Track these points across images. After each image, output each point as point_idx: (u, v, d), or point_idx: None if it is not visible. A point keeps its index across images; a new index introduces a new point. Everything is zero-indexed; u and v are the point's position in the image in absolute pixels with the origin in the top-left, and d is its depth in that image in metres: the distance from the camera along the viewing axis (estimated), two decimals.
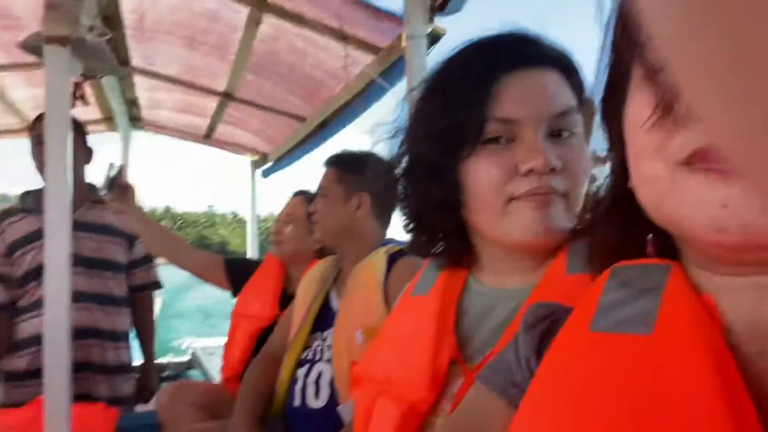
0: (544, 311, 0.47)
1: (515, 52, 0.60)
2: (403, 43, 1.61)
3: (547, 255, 0.63)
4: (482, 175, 0.58)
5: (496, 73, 0.58)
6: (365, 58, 2.05)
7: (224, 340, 2.00)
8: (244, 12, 2.01)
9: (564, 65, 0.62)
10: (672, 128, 0.34)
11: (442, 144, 0.61)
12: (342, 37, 1.84)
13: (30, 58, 2.01)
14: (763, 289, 0.34)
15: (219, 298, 1.97)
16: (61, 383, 1.34)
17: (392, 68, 1.86)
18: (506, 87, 0.58)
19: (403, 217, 0.75)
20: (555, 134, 0.58)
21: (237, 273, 2.02)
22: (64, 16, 1.27)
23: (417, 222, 0.73)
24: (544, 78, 0.59)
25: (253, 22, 2.04)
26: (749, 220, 0.31)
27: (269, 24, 2.07)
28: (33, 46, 1.45)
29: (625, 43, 0.40)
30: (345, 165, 1.50)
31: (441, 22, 1.60)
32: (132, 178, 4.73)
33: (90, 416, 1.72)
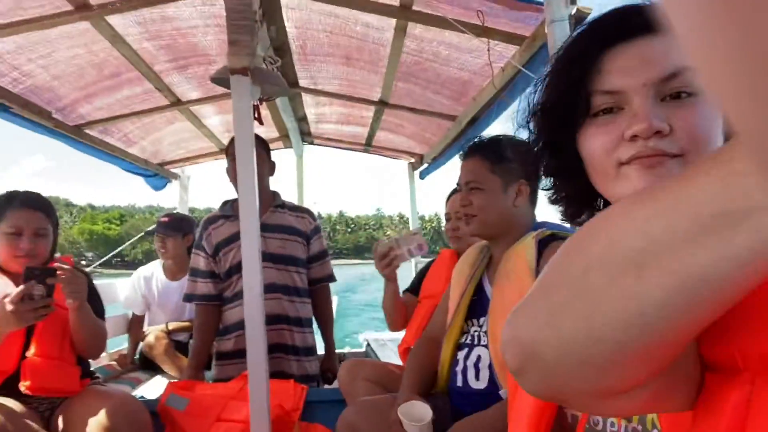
0: None
1: (615, 26, 0.61)
2: (546, 29, 1.60)
3: None
4: (592, 144, 0.60)
5: (599, 49, 0.60)
6: (509, 51, 2.06)
7: (393, 334, 2.17)
8: (391, 23, 2.16)
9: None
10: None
11: (558, 119, 0.65)
12: (484, 32, 1.88)
13: (218, 90, 2.39)
14: None
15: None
16: (260, 361, 1.58)
17: (536, 56, 1.85)
18: (609, 60, 0.60)
19: (549, 191, 0.78)
20: (673, 96, 0.57)
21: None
22: (244, 50, 1.52)
23: (559, 194, 0.76)
24: (646, 46, 0.59)
25: (400, 32, 2.17)
26: None
27: (414, 33, 2.19)
28: (220, 79, 1.74)
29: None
30: (495, 155, 1.48)
31: (584, 1, 1.56)
32: (307, 188, 5.23)
33: (284, 390, 1.99)
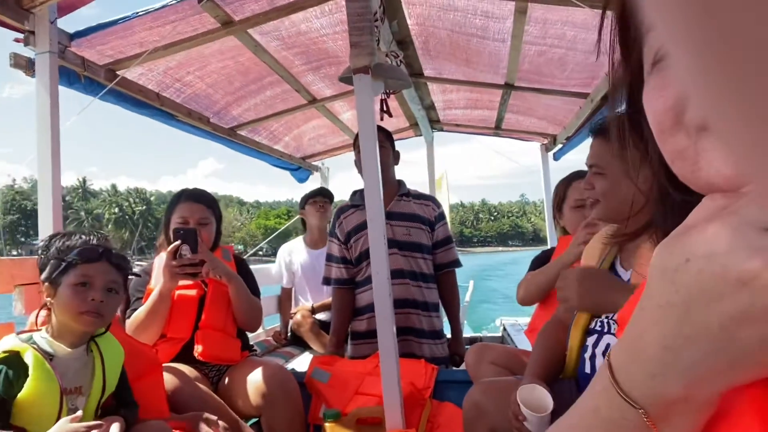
0: None
1: None
2: None
3: None
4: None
5: None
6: None
7: (527, 319, 2.13)
8: (510, 8, 2.13)
9: None
10: (684, 96, 0.34)
11: None
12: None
13: (348, 87, 2.55)
14: None
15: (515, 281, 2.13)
16: (390, 341, 1.69)
17: None
18: None
19: None
20: None
21: None
22: (365, 50, 1.62)
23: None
24: None
25: (521, 15, 2.13)
26: None
27: (536, 15, 2.14)
28: (347, 77, 1.87)
29: (631, 36, 0.41)
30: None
31: None
32: (442, 175, 5.24)
33: (416, 369, 2.10)
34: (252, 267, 2.28)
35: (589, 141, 1.51)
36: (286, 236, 7.16)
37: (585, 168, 1.50)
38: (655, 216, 0.49)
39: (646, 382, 0.33)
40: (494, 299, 15.78)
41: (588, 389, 0.39)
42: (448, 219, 3.20)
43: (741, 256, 0.27)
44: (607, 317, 1.47)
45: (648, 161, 0.47)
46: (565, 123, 3.48)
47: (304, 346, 3.22)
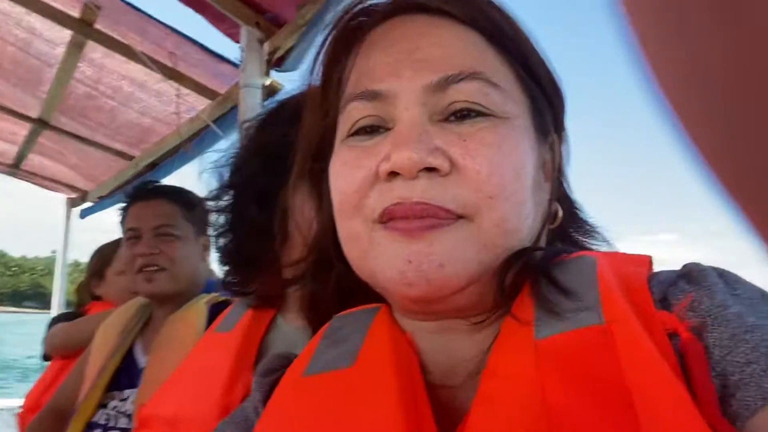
0: (280, 362, 0.46)
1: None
2: (239, 92, 1.60)
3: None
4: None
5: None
6: (199, 103, 2.00)
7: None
8: (65, 37, 1.85)
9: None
10: (367, 187, 0.37)
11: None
12: (175, 77, 1.78)
13: None
14: (450, 332, 0.39)
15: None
16: None
17: (227, 115, 1.84)
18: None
19: (223, 253, 0.72)
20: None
21: None
22: None
23: (235, 257, 0.71)
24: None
25: (76, 49, 1.88)
26: (431, 275, 0.35)
27: (94, 56, 1.93)
28: None
29: (329, 102, 0.42)
30: (185, 201, 1.29)
31: (279, 78, 1.63)
32: None
33: None
34: None
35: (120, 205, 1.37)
36: None
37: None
38: (305, 280, 0.47)
39: None
40: None
41: None
42: None
43: None
44: (118, 404, 1.31)
45: (319, 222, 0.46)
46: (100, 180, 3.20)
47: None
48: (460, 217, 0.36)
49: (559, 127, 0.44)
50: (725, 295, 0.33)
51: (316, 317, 0.47)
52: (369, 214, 0.38)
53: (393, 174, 0.36)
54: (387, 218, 0.36)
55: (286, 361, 0.45)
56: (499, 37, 0.41)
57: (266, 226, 0.65)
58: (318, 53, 0.45)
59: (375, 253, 0.37)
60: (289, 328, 0.73)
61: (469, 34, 0.40)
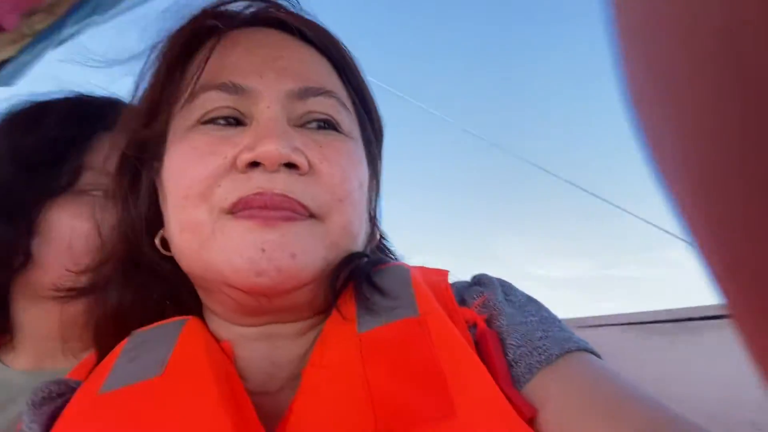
0: (58, 387, 0.41)
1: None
2: None
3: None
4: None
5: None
6: None
7: None
8: None
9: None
10: (219, 176, 0.38)
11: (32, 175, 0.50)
12: None
13: None
14: (273, 338, 0.41)
15: None
16: None
17: None
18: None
19: None
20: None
21: None
22: None
23: None
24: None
25: None
26: (283, 264, 0.36)
27: None
28: None
29: (166, 97, 0.42)
30: None
31: None
32: None
33: None
34: None
35: None
36: None
37: None
38: (103, 279, 0.43)
39: None
40: None
41: None
42: None
43: None
44: None
45: (129, 214, 0.42)
46: None
47: None
48: (311, 215, 0.39)
49: (377, 162, 0.51)
50: (503, 299, 0.42)
51: (103, 337, 0.43)
52: (218, 202, 0.37)
53: (253, 165, 0.37)
54: (241, 207, 0.37)
55: (65, 386, 0.41)
56: (345, 68, 0.46)
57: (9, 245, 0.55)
58: (155, 46, 0.44)
59: (219, 243, 0.37)
60: (14, 374, 0.61)
61: (322, 59, 0.45)
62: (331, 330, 0.40)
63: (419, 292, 0.41)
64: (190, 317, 0.42)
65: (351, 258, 0.42)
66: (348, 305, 0.41)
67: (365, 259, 0.44)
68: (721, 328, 0.73)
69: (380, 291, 0.41)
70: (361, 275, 0.42)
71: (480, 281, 0.45)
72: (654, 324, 0.83)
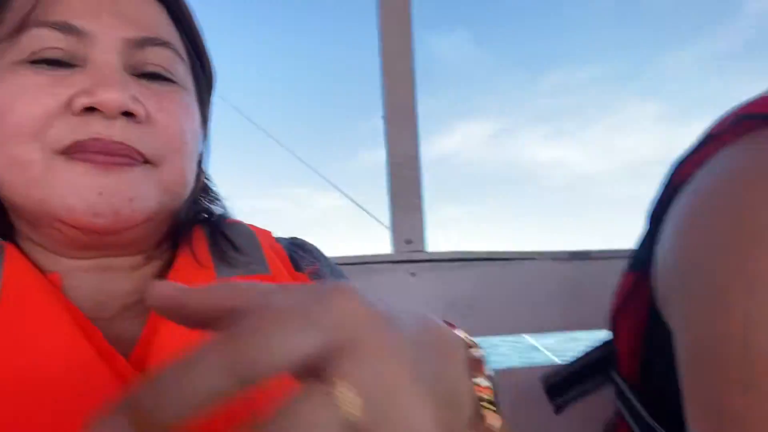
0: None
1: None
2: None
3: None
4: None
5: None
6: None
7: None
8: None
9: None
10: (52, 117, 0.37)
11: None
12: None
13: None
14: (106, 270, 0.42)
15: None
16: None
17: None
18: None
19: None
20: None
21: None
22: None
23: None
24: None
25: None
26: (121, 207, 0.38)
27: None
28: None
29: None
30: None
31: None
32: None
33: None
34: None
35: None
36: None
37: None
38: None
39: None
40: None
41: None
42: None
43: None
44: None
45: None
46: None
47: None
48: (146, 162, 0.40)
49: (207, 108, 0.51)
50: (329, 271, 0.51)
51: None
52: (51, 143, 0.37)
53: (89, 110, 0.37)
54: (76, 150, 0.37)
55: None
56: (180, 16, 0.46)
57: None
58: None
59: (52, 182, 0.37)
60: None
61: (158, 7, 0.45)
62: (184, 269, 0.42)
63: (267, 253, 0.46)
64: (6, 245, 0.41)
65: (193, 205, 0.45)
66: (201, 252, 0.44)
67: (216, 214, 0.48)
68: None
69: (234, 246, 0.45)
70: (216, 228, 0.46)
71: (303, 247, 0.52)
72: None
